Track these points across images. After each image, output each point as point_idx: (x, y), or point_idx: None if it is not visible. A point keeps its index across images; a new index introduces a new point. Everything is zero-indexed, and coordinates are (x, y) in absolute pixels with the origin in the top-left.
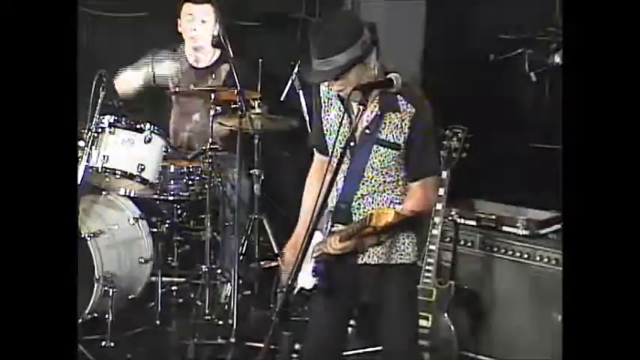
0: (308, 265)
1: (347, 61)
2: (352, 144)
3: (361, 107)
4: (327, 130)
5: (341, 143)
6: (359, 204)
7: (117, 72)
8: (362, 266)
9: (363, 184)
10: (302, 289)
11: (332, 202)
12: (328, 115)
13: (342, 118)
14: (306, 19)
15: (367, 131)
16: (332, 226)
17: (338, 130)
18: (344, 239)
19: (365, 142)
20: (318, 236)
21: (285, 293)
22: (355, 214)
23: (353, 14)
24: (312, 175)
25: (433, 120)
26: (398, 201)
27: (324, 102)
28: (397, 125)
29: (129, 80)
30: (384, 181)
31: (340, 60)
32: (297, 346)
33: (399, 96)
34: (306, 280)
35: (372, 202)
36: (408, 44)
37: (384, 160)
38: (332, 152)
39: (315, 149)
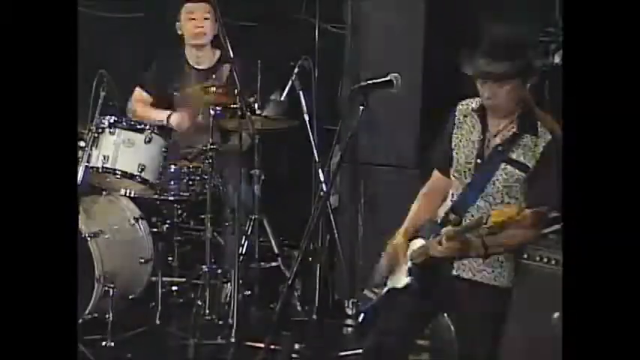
0: (403, 267)
1: (514, 70)
2: (480, 160)
3: (361, 108)
4: (454, 147)
5: (468, 160)
6: (471, 218)
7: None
8: (454, 277)
9: (481, 200)
10: (393, 288)
11: (443, 215)
12: (460, 131)
13: (476, 134)
14: (306, 19)
15: (499, 149)
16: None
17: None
18: (451, 238)
19: (494, 159)
20: (418, 242)
21: (285, 294)
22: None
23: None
24: (426, 189)
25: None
26: None
27: (458, 119)
28: (530, 148)
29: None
30: (502, 201)
31: (509, 67)
32: (296, 346)
33: (538, 121)
34: (399, 279)
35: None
36: (408, 44)
37: (508, 180)
38: (456, 169)
39: (436, 168)
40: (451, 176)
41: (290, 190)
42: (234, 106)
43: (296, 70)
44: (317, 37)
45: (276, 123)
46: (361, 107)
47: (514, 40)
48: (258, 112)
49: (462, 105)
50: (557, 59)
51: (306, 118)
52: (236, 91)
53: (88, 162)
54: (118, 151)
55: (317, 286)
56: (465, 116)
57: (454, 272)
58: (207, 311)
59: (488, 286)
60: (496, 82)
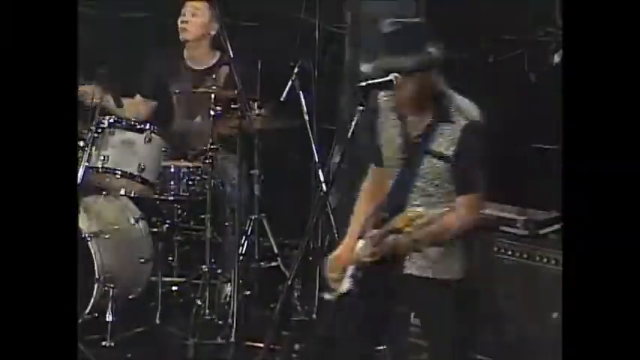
0: (349, 271)
1: (414, 63)
2: (405, 154)
3: (361, 108)
4: (381, 142)
5: (395, 154)
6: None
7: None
8: (406, 276)
9: (412, 194)
10: (341, 293)
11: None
12: (382, 125)
13: (397, 128)
14: (307, 19)
15: (419, 140)
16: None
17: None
18: (376, 243)
19: (415, 151)
20: (361, 243)
21: (285, 294)
22: None
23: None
24: (365, 186)
25: (484, 135)
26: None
27: (379, 113)
28: (448, 136)
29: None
30: (435, 193)
31: (404, 62)
32: (296, 346)
33: (451, 107)
34: (344, 283)
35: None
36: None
37: (432, 171)
38: (386, 163)
39: (371, 163)
40: (386, 169)
41: (290, 190)
42: (234, 106)
43: (296, 70)
44: (317, 37)
45: (276, 123)
46: (361, 107)
47: (410, 35)
48: (258, 112)
49: (378, 99)
50: (557, 59)
51: (306, 118)
52: (236, 91)
53: (88, 162)
54: (118, 151)
55: (317, 286)
56: (384, 109)
57: (406, 271)
58: (207, 311)
59: (440, 280)
60: (401, 77)
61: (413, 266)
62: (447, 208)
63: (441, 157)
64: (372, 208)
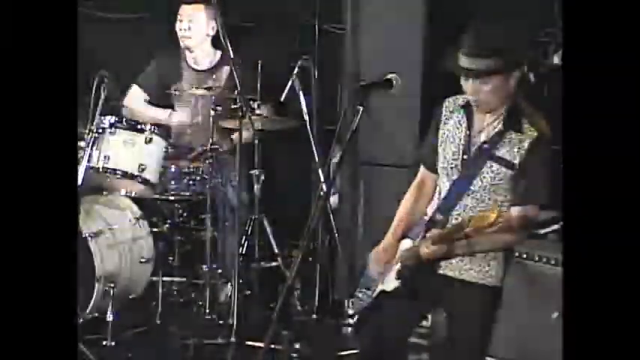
0: (392, 269)
1: (496, 66)
2: (465, 157)
3: (361, 108)
4: (441, 144)
5: (454, 157)
6: (457, 217)
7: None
8: (440, 276)
9: (467, 197)
10: (382, 291)
11: (430, 213)
12: (446, 127)
13: (462, 130)
14: (306, 19)
15: (485, 146)
16: (425, 233)
17: (454, 143)
18: (436, 242)
19: (479, 156)
20: (407, 243)
21: (285, 294)
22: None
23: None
24: (413, 188)
25: (551, 151)
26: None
27: (445, 115)
28: (516, 145)
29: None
30: (489, 199)
31: (490, 64)
32: (296, 346)
33: (524, 117)
34: (389, 282)
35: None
36: (408, 44)
37: (494, 178)
38: (442, 165)
39: (422, 164)
40: (438, 173)
41: (290, 190)
42: (234, 106)
43: (296, 70)
44: (317, 37)
45: (276, 123)
46: (361, 107)
47: (496, 36)
48: (258, 112)
49: (448, 101)
50: (556, 59)
51: (306, 118)
52: (236, 91)
53: (88, 162)
54: (119, 151)
55: (317, 286)
56: (452, 112)
57: (440, 271)
58: (207, 311)
59: (476, 284)
60: (478, 79)
61: (448, 267)
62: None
63: (506, 165)
64: (415, 211)
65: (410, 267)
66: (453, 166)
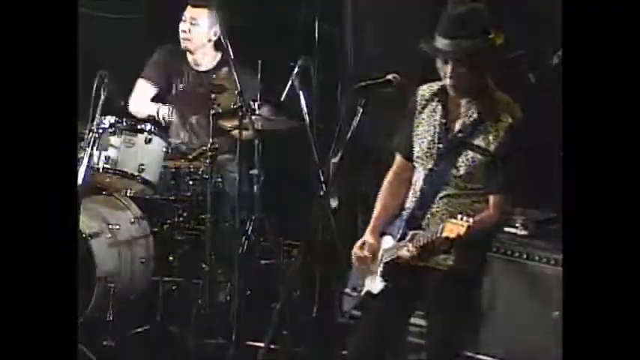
0: (376, 268)
1: (475, 49)
2: (441, 146)
3: (361, 109)
4: (416, 133)
5: (430, 145)
6: (437, 209)
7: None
8: (421, 269)
9: (444, 186)
10: (369, 293)
11: (409, 205)
12: (421, 115)
13: (437, 119)
14: (306, 19)
15: (460, 134)
16: (407, 230)
17: (429, 132)
18: (419, 247)
19: (455, 145)
20: (388, 241)
21: (285, 294)
22: (430, 219)
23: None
24: (390, 178)
25: (525, 137)
26: (473, 210)
27: (420, 104)
28: (491, 133)
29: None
30: (466, 187)
31: (468, 45)
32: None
33: (498, 103)
34: (374, 283)
35: (450, 207)
36: (408, 44)
37: (470, 165)
38: (417, 154)
39: (397, 153)
40: (414, 162)
41: (290, 190)
42: (234, 106)
43: (296, 70)
44: (317, 37)
45: (276, 123)
46: (361, 107)
47: (475, 19)
48: (258, 112)
49: (422, 89)
50: (556, 60)
51: (306, 118)
52: (236, 91)
53: (88, 162)
54: (119, 151)
55: (317, 286)
56: (427, 100)
57: (421, 263)
58: (207, 311)
59: (453, 270)
60: (458, 62)
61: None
62: (481, 207)
63: (482, 152)
64: (396, 201)
65: (394, 266)
66: (429, 155)
